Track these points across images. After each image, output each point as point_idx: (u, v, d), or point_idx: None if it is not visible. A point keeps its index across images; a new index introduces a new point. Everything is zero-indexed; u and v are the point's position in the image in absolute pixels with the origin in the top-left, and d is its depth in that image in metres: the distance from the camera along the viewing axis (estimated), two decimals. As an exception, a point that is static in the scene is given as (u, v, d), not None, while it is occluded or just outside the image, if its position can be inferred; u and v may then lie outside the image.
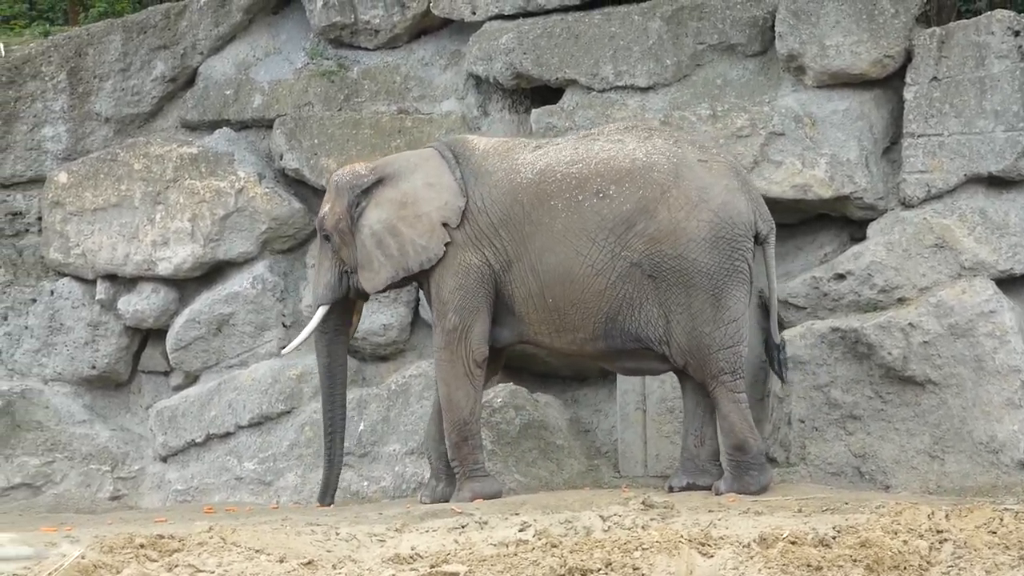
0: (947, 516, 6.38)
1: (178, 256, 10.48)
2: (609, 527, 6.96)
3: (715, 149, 8.84)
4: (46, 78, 10.93)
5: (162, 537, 6.43)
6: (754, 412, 8.94)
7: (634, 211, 8.42)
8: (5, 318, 10.81)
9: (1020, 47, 9.19)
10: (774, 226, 8.62)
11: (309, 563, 6.15)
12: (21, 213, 10.96)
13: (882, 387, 9.10)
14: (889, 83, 9.51)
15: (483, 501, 8.46)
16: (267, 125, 10.72)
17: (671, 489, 8.62)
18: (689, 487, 8.60)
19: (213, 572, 6.04)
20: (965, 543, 6.00)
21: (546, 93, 10.16)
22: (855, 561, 5.81)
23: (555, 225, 8.54)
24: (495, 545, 6.56)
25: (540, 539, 6.52)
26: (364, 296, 9.27)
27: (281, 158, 10.53)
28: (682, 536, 6.19)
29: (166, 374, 10.75)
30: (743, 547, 6.08)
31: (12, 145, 10.95)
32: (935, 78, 9.29)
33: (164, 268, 10.50)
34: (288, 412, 10.27)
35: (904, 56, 9.38)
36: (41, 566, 6.12)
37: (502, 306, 8.76)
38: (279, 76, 10.76)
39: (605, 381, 9.95)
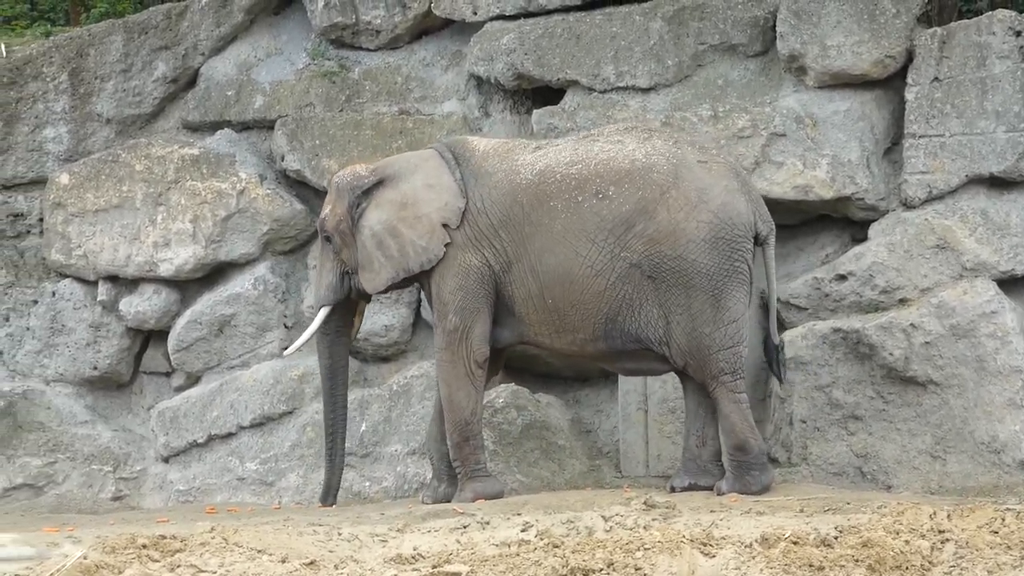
0: (949, 516, 6.38)
1: (179, 257, 10.48)
2: (611, 527, 6.96)
3: (715, 150, 8.84)
4: (47, 79, 10.93)
5: (164, 537, 6.43)
6: (756, 412, 8.95)
7: (633, 212, 8.42)
8: (7, 319, 10.82)
9: (1021, 47, 9.19)
10: (774, 227, 8.62)
11: (311, 563, 6.15)
12: (22, 214, 10.96)
13: (884, 387, 9.10)
14: (890, 83, 9.51)
15: (485, 501, 8.46)
16: (268, 126, 10.72)
17: (673, 489, 8.62)
18: (691, 487, 8.60)
19: (215, 572, 6.04)
20: (967, 543, 6.00)
21: (547, 94, 10.16)
22: (857, 561, 5.81)
23: (554, 226, 8.54)
24: (497, 545, 6.57)
25: (542, 539, 6.52)
26: (366, 297, 9.27)
27: (282, 159, 10.53)
28: (684, 536, 6.19)
29: (168, 375, 10.76)
30: (745, 547, 6.08)
31: (13, 146, 10.96)
32: (936, 78, 9.29)
33: (165, 269, 10.51)
34: (290, 413, 10.27)
35: (905, 56, 9.39)
36: (43, 566, 6.12)
37: (502, 307, 8.76)
38: (280, 77, 10.76)
39: (607, 382, 9.95)
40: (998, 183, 9.28)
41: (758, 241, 8.56)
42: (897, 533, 6.14)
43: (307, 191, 10.58)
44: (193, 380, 10.60)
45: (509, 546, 6.48)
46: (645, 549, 6.03)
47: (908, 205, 9.35)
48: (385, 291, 9.15)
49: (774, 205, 9.23)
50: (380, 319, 10.18)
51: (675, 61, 9.82)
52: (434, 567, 6.13)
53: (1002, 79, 9.19)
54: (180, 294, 10.63)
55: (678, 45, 9.82)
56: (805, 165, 9.40)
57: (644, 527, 6.79)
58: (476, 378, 8.77)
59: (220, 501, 10.12)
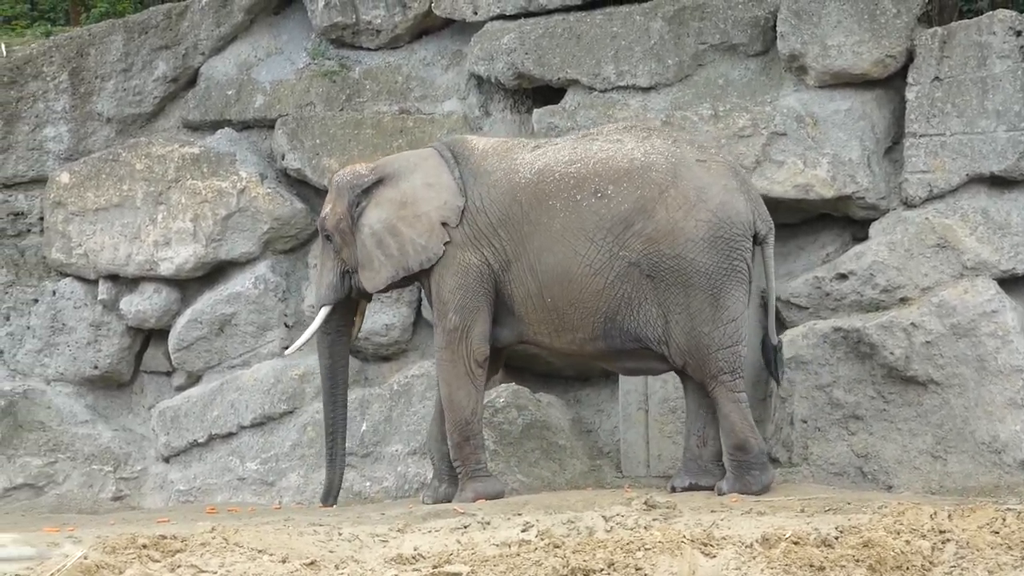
0: (950, 516, 6.38)
1: (180, 256, 10.48)
2: (612, 527, 6.96)
3: (713, 149, 8.84)
4: (48, 78, 10.93)
5: (165, 537, 6.43)
6: (756, 412, 8.95)
7: (632, 211, 8.42)
8: (7, 318, 10.82)
9: (1022, 47, 9.18)
10: (773, 226, 8.62)
11: (312, 563, 6.15)
12: (23, 213, 10.96)
13: (884, 387, 9.10)
14: (891, 83, 9.51)
15: (485, 501, 8.45)
16: (269, 125, 10.72)
17: (673, 489, 8.62)
18: (691, 487, 8.59)
19: (216, 572, 6.04)
20: (968, 543, 6.00)
21: (548, 93, 10.16)
22: (858, 561, 5.81)
23: (553, 225, 8.54)
24: (497, 545, 6.56)
25: (543, 539, 6.52)
26: (367, 296, 9.27)
27: (283, 158, 10.53)
28: (684, 536, 6.18)
29: (168, 374, 10.76)
30: (746, 547, 6.08)
31: (14, 145, 10.96)
32: (937, 78, 9.29)
33: (166, 268, 10.51)
34: (290, 412, 10.27)
35: (906, 56, 9.38)
36: (44, 566, 6.12)
37: (502, 306, 8.76)
38: (281, 76, 10.76)
39: (607, 381, 9.95)
40: (999, 182, 9.28)
41: (757, 240, 8.55)
42: (898, 533, 6.14)
43: (308, 190, 10.58)
44: (194, 379, 10.60)
45: (510, 546, 6.48)
46: (646, 549, 6.02)
47: (909, 204, 9.35)
48: (385, 290, 9.14)
49: (775, 204, 9.24)
50: (381, 318, 10.18)
51: (675, 61, 9.82)
52: (435, 567, 6.13)
53: (1002, 79, 9.19)
54: (181, 293, 10.63)
55: (678, 45, 9.82)
56: (806, 164, 9.40)
57: (645, 527, 6.78)
58: (476, 377, 8.76)
59: (221, 501, 10.12)
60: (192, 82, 10.94)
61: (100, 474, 10.53)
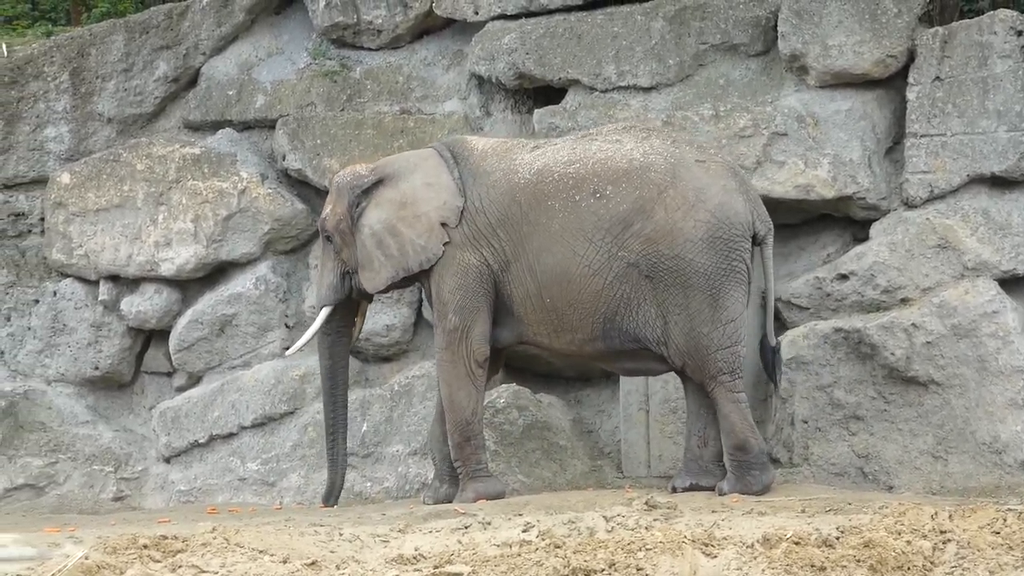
0: (950, 516, 6.38)
1: (181, 257, 10.48)
2: (612, 528, 6.96)
3: (713, 150, 8.84)
4: (48, 78, 10.93)
5: (165, 538, 6.43)
6: (757, 412, 8.95)
7: (631, 211, 8.42)
8: (8, 319, 10.81)
9: (1023, 47, 9.18)
10: (772, 227, 8.62)
11: (312, 564, 6.15)
12: (24, 214, 10.96)
13: (885, 387, 9.10)
14: (892, 83, 9.51)
15: (486, 502, 8.45)
16: (270, 125, 10.72)
17: (674, 490, 8.62)
18: (692, 488, 8.59)
19: (217, 573, 6.04)
20: (968, 543, 6.00)
21: (549, 93, 10.17)
22: (859, 561, 5.81)
23: (552, 225, 8.54)
24: (498, 546, 6.56)
25: (543, 540, 6.52)
26: (368, 297, 9.27)
27: (284, 158, 10.53)
28: (685, 537, 6.18)
29: (169, 375, 10.75)
30: (746, 547, 6.08)
31: (15, 145, 10.96)
32: (938, 78, 9.29)
33: (167, 269, 10.50)
34: (291, 413, 10.27)
35: (907, 56, 9.38)
36: (44, 567, 6.12)
37: (501, 306, 8.76)
38: (281, 76, 10.76)
39: (608, 382, 9.95)
40: (999, 182, 9.28)
41: (756, 241, 8.55)
42: (899, 533, 6.14)
43: (308, 191, 10.58)
44: (194, 380, 10.60)
45: (511, 546, 6.48)
46: (647, 549, 6.02)
47: (909, 204, 9.35)
48: (385, 290, 9.15)
49: (775, 204, 9.24)
50: (381, 319, 10.18)
51: (676, 61, 9.82)
52: (435, 567, 6.13)
53: (1003, 79, 9.19)
54: (181, 294, 10.63)
55: (679, 45, 9.81)
56: (807, 164, 9.40)
57: (646, 527, 6.78)
58: (476, 378, 8.76)
59: (221, 501, 10.12)
60: (193, 82, 10.94)
61: (101, 474, 10.53)
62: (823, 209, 9.60)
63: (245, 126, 10.80)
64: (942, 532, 6.14)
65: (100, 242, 10.60)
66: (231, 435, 10.35)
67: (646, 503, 7.54)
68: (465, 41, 10.41)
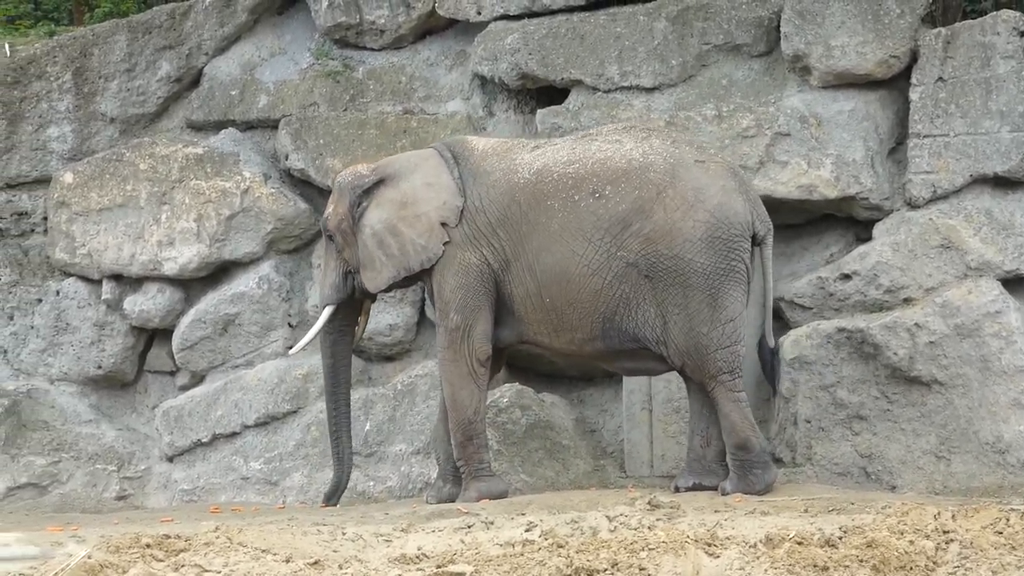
0: (953, 516, 6.37)
1: (184, 256, 10.48)
2: (615, 527, 6.95)
3: (712, 150, 8.84)
4: (51, 78, 10.94)
5: (168, 537, 6.42)
6: (760, 412, 8.95)
7: (630, 211, 8.42)
8: (11, 318, 10.82)
9: (1026, 47, 9.20)
10: (771, 227, 8.62)
11: (315, 563, 6.15)
12: (27, 213, 10.97)
13: (888, 387, 9.09)
14: (895, 83, 9.51)
15: (489, 501, 8.45)
16: (272, 125, 10.73)
17: (677, 489, 8.62)
18: (695, 487, 8.60)
19: (219, 572, 6.03)
20: (971, 543, 6.00)
21: (551, 93, 10.17)
22: (861, 561, 5.81)
23: (552, 225, 8.55)
24: (501, 545, 6.56)
25: (546, 539, 6.51)
26: (370, 296, 9.28)
27: (287, 158, 10.54)
28: (688, 536, 6.18)
29: (172, 374, 10.76)
30: (749, 547, 6.08)
31: (17, 145, 10.96)
32: (941, 78, 9.28)
33: (170, 268, 10.51)
34: (294, 412, 10.28)
35: (910, 56, 9.38)
36: (47, 566, 6.12)
37: (502, 306, 8.76)
38: (284, 76, 10.77)
39: (611, 381, 9.95)
40: (1002, 183, 9.27)
41: (756, 241, 8.55)
42: (901, 533, 6.13)
43: (311, 190, 10.59)
44: (197, 379, 10.61)
45: (513, 546, 6.48)
46: (649, 549, 6.02)
47: (912, 205, 9.35)
48: (387, 290, 9.15)
49: (778, 204, 9.25)
50: (384, 318, 10.18)
51: (679, 61, 9.82)
52: (438, 567, 6.13)
53: (1006, 79, 9.19)
54: (184, 293, 10.63)
55: (682, 45, 9.82)
56: (809, 165, 9.40)
57: (648, 527, 6.78)
58: (479, 376, 8.77)
59: (224, 500, 10.12)
60: (196, 82, 10.94)
61: (104, 473, 10.54)
62: (826, 209, 9.60)
63: (248, 126, 10.81)
64: (945, 532, 6.13)
65: (103, 241, 10.61)
66: (234, 434, 10.35)
67: (649, 503, 7.54)
68: (468, 41, 10.42)
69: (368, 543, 6.79)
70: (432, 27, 10.61)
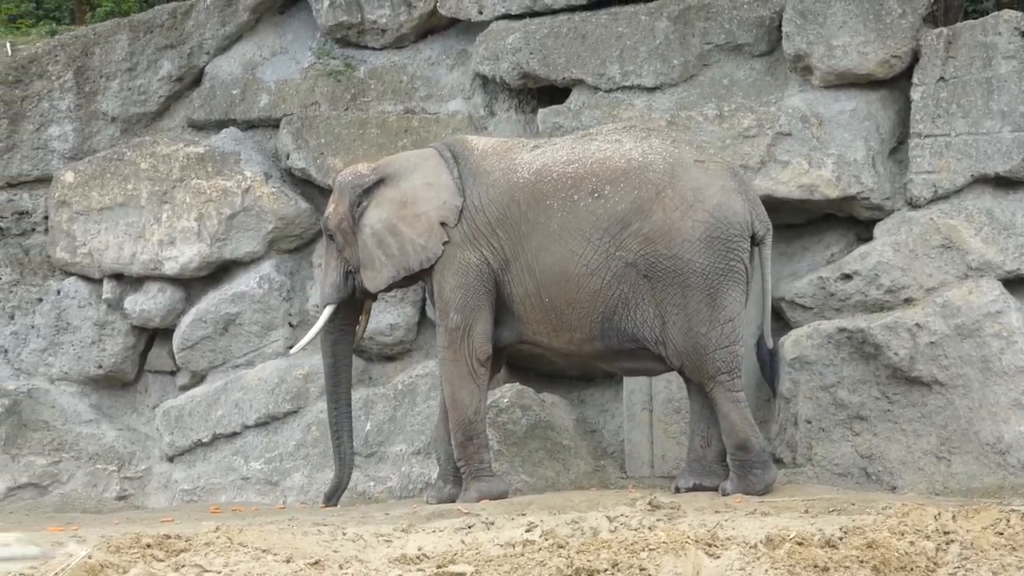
0: (954, 517, 6.37)
1: (184, 255, 10.48)
2: (616, 528, 6.95)
3: (712, 150, 8.84)
4: (52, 77, 10.94)
5: (169, 537, 6.42)
6: (761, 412, 8.94)
7: (629, 211, 8.42)
8: (12, 317, 10.82)
9: (1027, 47, 9.19)
10: (771, 227, 8.61)
11: (316, 563, 6.15)
12: (27, 212, 10.97)
13: (889, 388, 9.09)
14: (896, 83, 9.50)
15: (489, 501, 8.45)
16: (274, 125, 10.73)
17: (678, 490, 8.62)
18: (696, 488, 8.59)
19: (220, 572, 6.03)
20: (972, 544, 5.99)
21: (553, 93, 10.17)
22: (862, 562, 5.80)
23: (551, 225, 8.55)
24: (502, 545, 6.56)
25: (547, 539, 6.51)
26: (371, 296, 9.28)
27: (288, 157, 10.54)
28: (689, 537, 6.18)
29: (173, 374, 10.76)
30: (750, 548, 6.07)
31: (19, 144, 10.96)
32: (942, 78, 9.28)
33: (171, 267, 10.51)
34: (295, 412, 10.28)
35: (911, 56, 9.38)
36: (48, 566, 6.12)
37: (501, 306, 8.76)
38: (286, 76, 10.77)
39: (612, 381, 9.95)
40: (1003, 183, 9.27)
41: (755, 241, 8.55)
42: (902, 534, 6.13)
43: (312, 189, 10.58)
44: (198, 379, 10.61)
45: (514, 546, 6.47)
46: (650, 550, 6.02)
47: (913, 205, 9.35)
48: (387, 290, 9.16)
49: (779, 204, 9.25)
50: (385, 318, 10.18)
51: (681, 60, 9.82)
52: (439, 567, 6.12)
53: (1008, 79, 9.18)
54: (185, 292, 10.63)
55: (684, 45, 9.81)
56: (811, 164, 9.40)
57: (649, 527, 6.77)
58: (479, 376, 8.77)
59: (225, 500, 10.13)
60: (197, 81, 10.94)
61: (104, 473, 10.54)
62: (827, 209, 9.60)
63: (249, 125, 10.81)
64: (945, 533, 6.13)
65: (104, 241, 10.61)
66: (234, 434, 10.35)
67: (649, 503, 7.54)
68: (469, 41, 10.42)
69: (368, 543, 6.78)
70: (433, 26, 10.61)
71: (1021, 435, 8.89)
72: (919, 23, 9.37)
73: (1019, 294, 9.17)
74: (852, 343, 9.11)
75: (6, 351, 10.81)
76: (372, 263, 8.96)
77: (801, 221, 9.72)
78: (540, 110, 10.07)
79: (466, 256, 8.72)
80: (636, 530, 6.73)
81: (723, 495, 8.31)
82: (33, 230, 10.96)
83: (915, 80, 9.36)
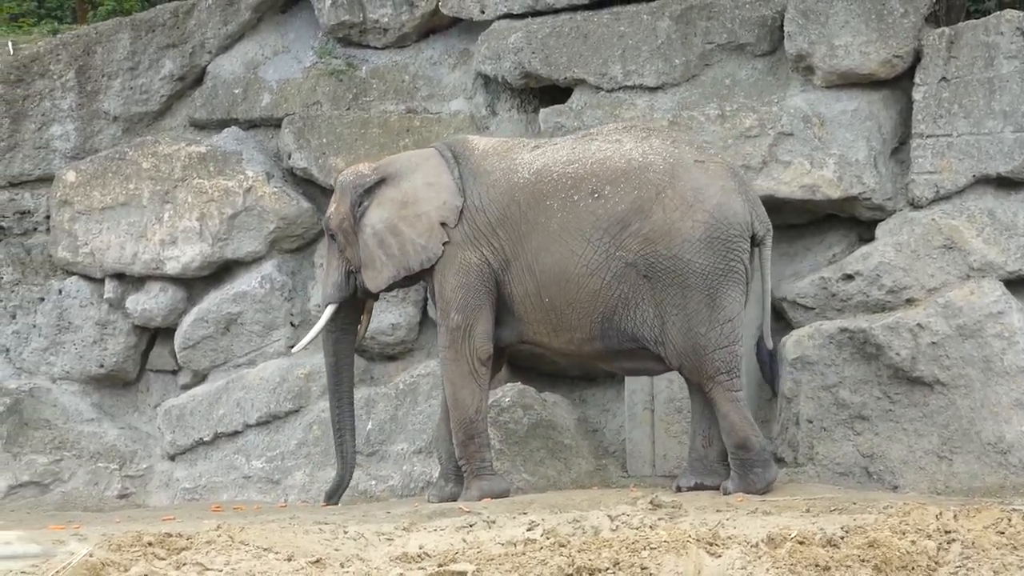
0: (955, 516, 6.36)
1: (186, 255, 10.48)
2: (617, 527, 6.95)
3: (713, 150, 8.83)
4: (54, 76, 10.94)
5: (170, 535, 6.42)
6: (762, 412, 8.94)
7: (629, 211, 8.42)
8: (13, 317, 10.82)
9: (1029, 47, 9.19)
10: (771, 228, 8.61)
11: (317, 561, 6.15)
12: (29, 212, 10.97)
13: (890, 388, 9.09)
14: (898, 83, 9.50)
15: (491, 500, 8.46)
16: (275, 124, 10.73)
17: (679, 489, 8.62)
18: (697, 487, 8.59)
19: (221, 571, 6.03)
20: (973, 543, 5.99)
21: (555, 93, 10.16)
22: (863, 561, 5.80)
23: (551, 225, 8.55)
24: (503, 544, 6.56)
25: (548, 538, 6.51)
26: (373, 296, 9.28)
27: (289, 157, 10.54)
28: (690, 536, 6.18)
29: (174, 373, 10.76)
30: (751, 547, 6.07)
31: (20, 143, 10.96)
32: (944, 78, 9.28)
33: (172, 267, 10.51)
34: (296, 411, 10.28)
35: (913, 56, 9.37)
36: (49, 564, 6.12)
37: (502, 305, 8.77)
38: (288, 75, 10.77)
39: (613, 381, 9.95)
40: (1005, 183, 9.27)
41: (755, 242, 8.54)
42: (903, 533, 6.13)
43: (314, 189, 10.59)
44: (199, 378, 10.61)
45: (515, 545, 6.48)
46: (651, 549, 6.02)
47: (915, 205, 9.34)
48: (388, 289, 9.16)
49: (781, 204, 9.25)
50: (387, 318, 10.18)
51: (682, 60, 9.82)
52: (440, 566, 6.12)
53: (1010, 79, 9.18)
54: (187, 292, 10.63)
55: (685, 44, 9.81)
56: (812, 164, 9.40)
57: (650, 527, 6.78)
58: (480, 376, 8.77)
59: (226, 499, 10.13)
60: (199, 81, 10.95)
61: (106, 472, 10.54)
62: (829, 209, 9.59)
63: (251, 124, 10.81)
64: (947, 532, 6.13)
65: (105, 240, 10.61)
66: (236, 433, 10.36)
67: (651, 502, 7.54)
68: (471, 40, 10.42)
69: (370, 542, 6.79)
70: (435, 26, 10.61)
71: (1022, 435, 8.89)
72: (921, 23, 9.37)
73: (1021, 295, 9.17)
74: (854, 343, 9.11)
75: (8, 350, 10.81)
76: (373, 263, 8.97)
77: (803, 221, 9.72)
78: (542, 110, 10.07)
79: (467, 256, 8.72)
80: (637, 529, 6.73)
81: (724, 494, 8.31)
82: (35, 229, 10.96)
83: (917, 80, 9.36)
